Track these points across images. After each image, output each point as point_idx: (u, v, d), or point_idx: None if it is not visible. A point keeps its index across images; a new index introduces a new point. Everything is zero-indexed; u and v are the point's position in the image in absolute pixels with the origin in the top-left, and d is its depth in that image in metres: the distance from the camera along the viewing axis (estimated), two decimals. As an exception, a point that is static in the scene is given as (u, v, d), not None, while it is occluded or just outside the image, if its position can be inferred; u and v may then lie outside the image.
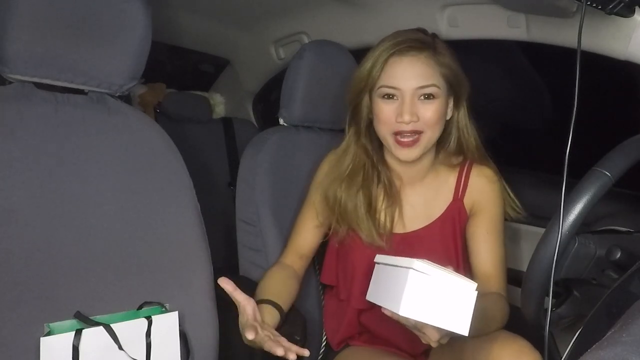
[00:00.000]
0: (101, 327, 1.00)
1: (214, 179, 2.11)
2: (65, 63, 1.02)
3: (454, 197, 1.21)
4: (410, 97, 1.10)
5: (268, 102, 2.27)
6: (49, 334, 0.96)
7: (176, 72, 2.35)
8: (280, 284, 1.17)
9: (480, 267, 1.17)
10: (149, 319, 1.05)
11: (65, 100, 1.05)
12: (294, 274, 1.22)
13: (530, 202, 1.26)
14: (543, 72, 1.79)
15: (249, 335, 0.93)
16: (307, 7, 1.73)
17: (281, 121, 1.45)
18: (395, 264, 0.93)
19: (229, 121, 2.27)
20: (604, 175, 0.83)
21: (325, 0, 1.64)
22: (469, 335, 0.85)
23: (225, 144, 2.21)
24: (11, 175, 0.96)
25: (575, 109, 0.87)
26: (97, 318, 1.01)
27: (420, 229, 1.21)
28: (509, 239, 1.31)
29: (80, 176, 1.04)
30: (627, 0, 0.95)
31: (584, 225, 0.86)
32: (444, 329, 0.87)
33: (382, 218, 1.20)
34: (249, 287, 1.13)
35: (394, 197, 1.21)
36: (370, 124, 1.20)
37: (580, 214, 0.83)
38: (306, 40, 1.82)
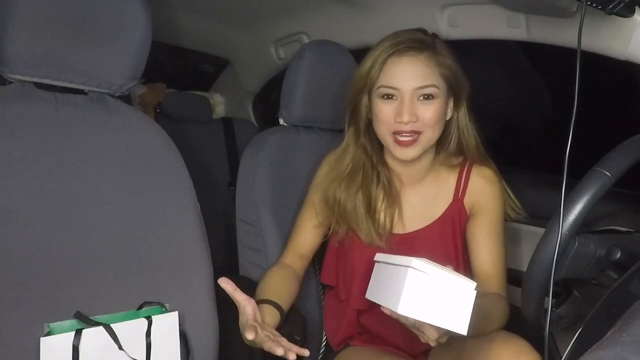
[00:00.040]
0: (101, 327, 1.00)
1: (214, 179, 2.11)
2: (65, 63, 1.02)
3: (454, 198, 1.21)
4: (410, 97, 1.10)
5: (268, 102, 2.27)
6: (49, 334, 0.96)
7: (176, 72, 2.35)
8: (280, 284, 1.17)
9: (480, 268, 1.17)
10: (149, 319, 1.05)
11: (65, 100, 1.05)
12: (293, 274, 1.22)
13: (530, 202, 1.26)
14: (543, 72, 1.79)
15: (249, 335, 0.93)
16: (307, 7, 1.73)
17: (281, 121, 1.45)
18: (394, 262, 0.93)
19: (229, 121, 2.27)
20: (604, 175, 0.83)
21: (325, 0, 1.64)
22: (468, 334, 0.85)
23: (225, 144, 2.21)
24: (11, 175, 0.96)
25: (575, 109, 0.87)
26: (97, 318, 1.01)
27: (420, 230, 1.21)
28: (509, 239, 1.31)
29: (80, 176, 1.04)
30: (627, 0, 0.95)
31: (584, 225, 0.86)
32: (442, 328, 0.87)
33: (382, 218, 1.20)
34: (249, 287, 1.13)
35: (393, 197, 1.21)
36: (369, 124, 1.20)
37: (580, 214, 0.83)
38: (306, 40, 1.82)
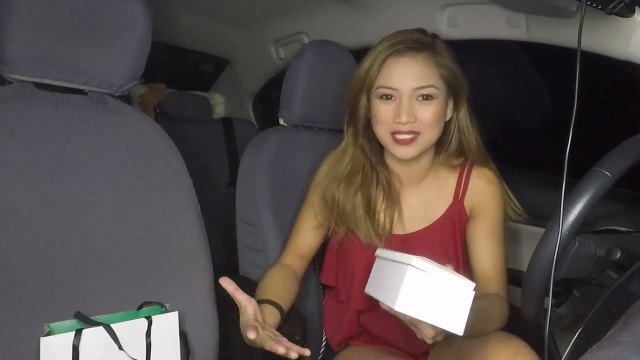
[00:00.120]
0: (101, 327, 1.00)
1: (214, 179, 2.11)
2: (65, 63, 1.02)
3: (454, 199, 1.21)
4: (408, 97, 1.10)
5: (268, 102, 2.27)
6: (49, 334, 0.96)
7: (176, 72, 2.35)
8: (280, 284, 1.17)
9: (480, 268, 1.17)
10: (149, 319, 1.05)
11: (65, 100, 1.05)
12: (293, 274, 1.22)
13: (530, 202, 1.26)
14: (543, 72, 1.79)
15: (251, 335, 0.93)
16: (307, 7, 1.73)
17: (281, 121, 1.45)
18: (394, 259, 0.93)
19: (229, 121, 2.27)
20: (604, 175, 0.83)
21: (325, 0, 1.64)
22: (465, 334, 0.85)
23: (225, 144, 2.21)
24: (11, 175, 0.96)
25: (575, 109, 0.87)
26: (97, 318, 1.01)
27: (419, 231, 1.21)
28: (509, 239, 1.31)
29: (80, 176, 1.04)
30: (627, 0, 0.95)
31: (584, 225, 0.86)
32: (439, 327, 0.87)
33: (381, 219, 1.20)
34: (249, 287, 1.12)
35: (393, 198, 1.21)
36: (368, 125, 1.19)
37: (580, 214, 0.83)
38: (306, 40, 1.82)
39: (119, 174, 1.08)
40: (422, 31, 1.17)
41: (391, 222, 1.21)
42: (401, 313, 0.87)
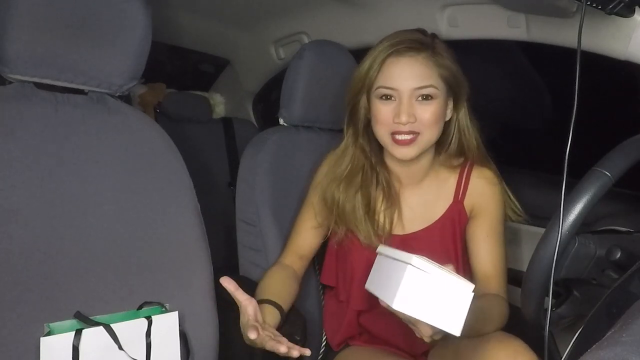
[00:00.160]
0: (101, 327, 1.00)
1: (214, 179, 2.11)
2: (65, 63, 1.02)
3: (454, 199, 1.21)
4: (408, 97, 1.10)
5: (268, 102, 2.27)
6: (49, 334, 0.96)
7: (176, 72, 2.35)
8: (280, 284, 1.17)
9: (480, 269, 1.17)
10: (149, 319, 1.05)
11: (65, 100, 1.05)
12: (293, 274, 1.22)
13: (530, 202, 1.26)
14: (543, 72, 1.79)
15: (251, 335, 0.93)
16: (307, 7, 1.73)
17: (281, 121, 1.45)
18: (395, 257, 0.93)
19: (229, 121, 2.27)
20: (604, 175, 0.83)
21: (325, 0, 1.64)
22: (465, 334, 0.85)
23: (225, 144, 2.22)
24: (11, 175, 0.96)
25: (575, 109, 0.87)
26: (97, 318, 1.01)
27: (419, 231, 1.21)
28: (509, 239, 1.31)
29: (80, 176, 1.04)
30: (627, 0, 0.95)
31: (584, 225, 0.86)
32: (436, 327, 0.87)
33: (381, 219, 1.20)
34: (249, 287, 1.12)
35: (392, 198, 1.21)
36: (368, 125, 1.19)
37: (580, 214, 0.83)
38: (306, 40, 1.82)
39: (119, 174, 1.08)
40: (422, 31, 1.17)
41: (391, 223, 1.21)
42: (399, 311, 0.87)
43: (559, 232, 0.83)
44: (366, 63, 1.14)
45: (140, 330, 1.05)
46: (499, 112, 1.90)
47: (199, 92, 2.31)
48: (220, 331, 1.17)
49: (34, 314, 0.96)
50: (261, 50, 2.02)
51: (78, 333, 0.97)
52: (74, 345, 0.97)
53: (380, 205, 1.21)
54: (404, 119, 1.08)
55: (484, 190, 1.19)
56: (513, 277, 1.21)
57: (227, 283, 0.98)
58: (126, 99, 1.76)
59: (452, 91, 1.15)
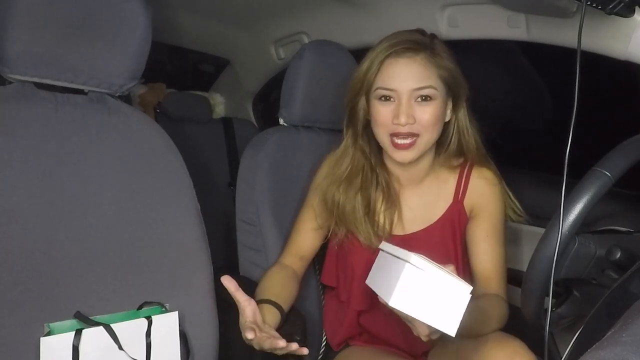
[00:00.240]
0: (101, 327, 1.00)
1: (214, 179, 2.11)
2: (65, 63, 1.02)
3: (453, 199, 1.21)
4: (407, 98, 1.10)
5: (268, 102, 2.27)
6: (49, 334, 0.96)
7: (176, 72, 2.35)
8: (280, 285, 1.17)
9: (480, 269, 1.17)
10: (149, 319, 1.05)
11: (65, 100, 1.05)
12: (293, 275, 1.22)
13: (530, 202, 1.26)
14: (543, 72, 1.79)
15: (249, 335, 0.93)
16: (307, 7, 1.73)
17: (281, 121, 1.45)
18: (395, 254, 0.93)
19: (229, 121, 2.27)
20: (604, 175, 0.83)
21: (325, 0, 1.64)
22: (464, 335, 0.86)
23: (225, 144, 2.21)
24: (11, 175, 0.96)
25: (575, 109, 0.87)
26: (97, 318, 1.01)
27: (419, 231, 1.21)
28: (509, 239, 1.31)
29: (80, 176, 1.04)
30: (627, 0, 0.95)
31: (584, 225, 0.86)
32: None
33: (381, 220, 1.20)
34: (249, 287, 1.12)
35: (392, 199, 1.21)
36: (367, 126, 1.19)
37: (580, 214, 0.83)
38: (306, 40, 1.82)
39: (119, 174, 1.08)
40: (421, 32, 1.17)
41: (391, 223, 1.21)
42: (396, 309, 0.87)
43: (559, 232, 0.83)
44: (365, 64, 1.14)
45: (140, 330, 1.05)
46: (499, 112, 1.90)
47: (199, 92, 2.31)
48: (220, 331, 1.17)
49: (34, 314, 0.96)
50: (261, 50, 2.02)
51: (78, 333, 0.97)
52: (74, 345, 0.97)
53: (380, 206, 1.21)
54: (403, 120, 1.08)
55: (484, 191, 1.19)
56: (513, 277, 1.21)
57: (228, 282, 0.98)
58: (126, 99, 1.76)
59: (452, 92, 1.14)
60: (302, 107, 1.41)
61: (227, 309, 1.08)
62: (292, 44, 1.90)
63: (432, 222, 1.21)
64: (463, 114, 1.18)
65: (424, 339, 0.93)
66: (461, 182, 1.21)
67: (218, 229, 1.43)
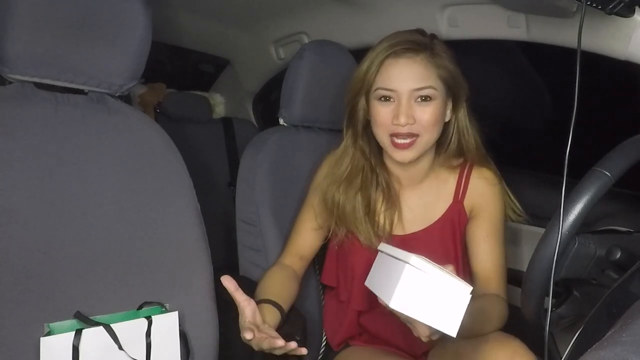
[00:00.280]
0: (101, 327, 1.00)
1: (214, 179, 2.11)
2: (65, 63, 1.02)
3: (453, 199, 1.21)
4: (407, 99, 1.10)
5: (268, 102, 2.27)
6: (49, 334, 0.96)
7: (176, 72, 2.35)
8: (280, 284, 1.17)
9: (480, 269, 1.17)
10: (149, 319, 1.05)
11: (65, 100, 1.05)
12: (293, 275, 1.22)
13: (530, 202, 1.26)
14: (543, 72, 1.79)
15: (247, 336, 0.94)
16: (307, 7, 1.73)
17: (281, 121, 1.45)
18: (395, 255, 0.93)
19: (229, 121, 2.27)
20: (604, 175, 0.83)
21: (325, 0, 1.64)
22: (464, 335, 0.85)
23: (225, 144, 2.21)
24: (11, 175, 0.96)
25: (575, 109, 0.87)
26: (97, 318, 1.01)
27: (419, 231, 1.21)
28: (509, 239, 1.31)
29: (80, 176, 1.04)
30: (627, 0, 0.95)
31: (584, 225, 0.86)
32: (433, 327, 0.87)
33: (381, 220, 1.20)
34: (249, 287, 1.13)
35: (392, 199, 1.21)
36: (367, 126, 1.19)
37: (580, 214, 0.83)
38: (306, 40, 1.82)
39: (119, 174, 1.08)
40: (421, 32, 1.17)
41: (391, 224, 1.21)
42: (396, 310, 0.87)
43: (559, 232, 0.83)
44: (365, 64, 1.14)
45: (140, 330, 1.05)
46: (499, 112, 1.90)
47: (199, 92, 2.31)
48: (220, 331, 1.17)
49: (34, 314, 0.96)
50: (261, 50, 2.02)
51: (78, 333, 0.97)
52: (74, 345, 0.97)
53: (380, 206, 1.21)
54: (402, 120, 1.08)
55: (484, 191, 1.19)
56: (513, 277, 1.21)
57: (228, 282, 0.98)
58: (126, 99, 1.76)
59: (451, 92, 1.14)
60: (302, 107, 1.41)
61: (227, 309, 1.08)
62: (292, 44, 1.90)
63: (432, 222, 1.21)
64: (463, 114, 1.18)
65: (424, 339, 0.93)
66: (461, 182, 1.21)
67: (218, 229, 1.42)
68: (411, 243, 1.20)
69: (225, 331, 1.16)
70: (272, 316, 1.06)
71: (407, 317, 0.89)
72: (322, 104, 1.44)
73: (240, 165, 1.39)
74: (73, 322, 0.99)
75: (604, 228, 0.99)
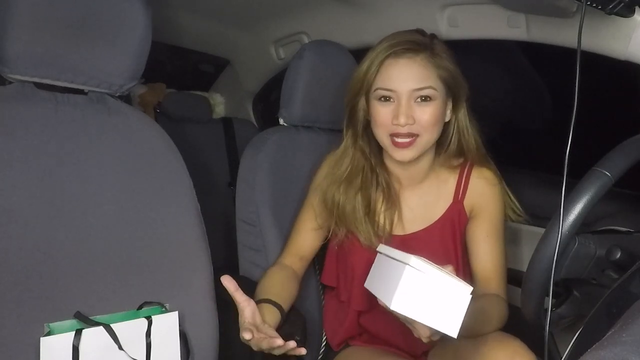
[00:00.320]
0: (101, 327, 1.00)
1: (214, 179, 2.11)
2: (65, 63, 1.02)
3: (453, 199, 1.21)
4: (407, 99, 1.10)
5: (268, 102, 2.27)
6: (49, 334, 0.96)
7: (176, 72, 2.35)
8: (280, 284, 1.17)
9: (480, 269, 1.17)
10: (149, 319, 1.05)
11: (65, 100, 1.05)
12: (293, 275, 1.22)
13: (530, 202, 1.26)
14: (543, 72, 1.79)
15: (246, 336, 0.93)
16: (307, 7, 1.73)
17: (281, 121, 1.45)
18: (394, 257, 0.93)
19: (229, 121, 2.27)
20: (604, 175, 0.83)
21: (325, 0, 1.64)
22: (464, 335, 0.85)
23: (225, 144, 2.21)
24: (11, 175, 0.96)
25: (575, 109, 0.87)
26: (97, 318, 1.01)
27: (419, 231, 1.21)
28: (509, 239, 1.31)
29: (80, 176, 1.04)
30: (627, 0, 0.95)
31: (584, 225, 0.86)
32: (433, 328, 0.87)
33: (381, 220, 1.20)
34: (249, 287, 1.13)
35: (392, 199, 1.21)
36: (367, 126, 1.19)
37: (580, 214, 0.83)
38: (306, 40, 1.82)
39: (119, 174, 1.08)
40: (421, 32, 1.17)
41: (391, 224, 1.21)
42: (396, 312, 0.87)
43: (559, 232, 0.83)
44: (365, 64, 1.14)
45: (140, 330, 1.05)
46: (499, 112, 1.90)
47: (199, 92, 2.31)
48: (220, 331, 1.17)
49: (34, 314, 0.96)
50: (261, 50, 2.02)
51: (78, 333, 0.97)
52: (74, 345, 0.97)
53: (380, 207, 1.21)
54: (402, 120, 1.08)
55: (484, 191, 1.19)
56: (513, 277, 1.21)
57: (228, 282, 0.98)
58: (126, 99, 1.76)
59: (451, 92, 1.14)
60: (302, 107, 1.41)
61: (227, 309, 1.08)
62: (292, 44, 1.90)
63: (432, 222, 1.21)
64: (463, 114, 1.18)
65: (424, 340, 0.93)
66: (461, 182, 1.21)
67: (218, 229, 1.43)
68: (411, 243, 1.20)
69: (225, 331, 1.16)
70: (272, 316, 1.06)
71: (407, 318, 0.89)
72: (322, 104, 1.44)
73: (240, 165, 1.39)
74: (73, 322, 0.99)
75: (604, 228, 0.99)
